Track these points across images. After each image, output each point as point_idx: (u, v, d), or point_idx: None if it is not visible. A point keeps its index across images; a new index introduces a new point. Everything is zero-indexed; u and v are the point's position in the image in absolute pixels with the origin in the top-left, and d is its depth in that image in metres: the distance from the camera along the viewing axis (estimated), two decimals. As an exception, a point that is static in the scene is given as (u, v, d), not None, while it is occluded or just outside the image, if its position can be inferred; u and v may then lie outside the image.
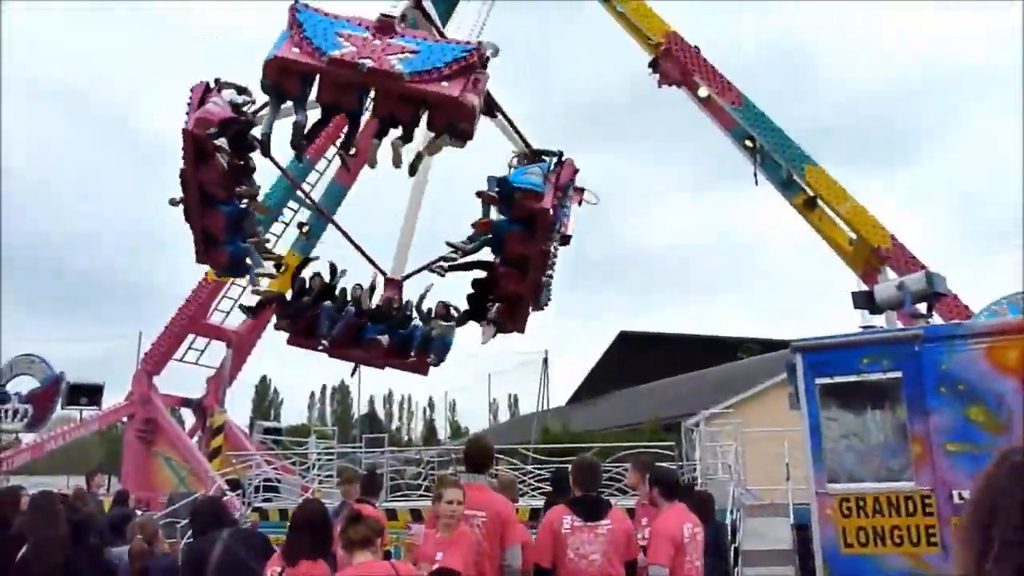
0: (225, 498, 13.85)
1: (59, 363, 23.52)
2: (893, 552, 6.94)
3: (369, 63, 8.79)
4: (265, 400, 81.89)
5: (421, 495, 13.97)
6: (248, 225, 10.80)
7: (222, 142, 9.60)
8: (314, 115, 9.70)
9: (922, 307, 8.64)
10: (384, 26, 9.53)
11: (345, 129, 9.97)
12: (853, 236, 17.14)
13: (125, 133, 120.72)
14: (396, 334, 11.09)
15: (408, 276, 11.96)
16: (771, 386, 23.26)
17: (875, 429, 7.58)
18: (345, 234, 11.96)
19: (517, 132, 10.59)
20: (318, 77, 9.09)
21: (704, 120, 19.00)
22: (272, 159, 10.18)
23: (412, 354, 11.26)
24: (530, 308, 10.60)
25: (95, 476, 14.02)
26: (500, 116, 10.47)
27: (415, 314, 11.39)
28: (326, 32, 9.24)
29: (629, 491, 8.41)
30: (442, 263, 10.59)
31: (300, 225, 23.16)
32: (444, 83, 8.95)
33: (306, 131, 9.47)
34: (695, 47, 18.53)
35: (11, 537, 7.10)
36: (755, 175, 18.10)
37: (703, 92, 18.39)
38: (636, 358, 38.64)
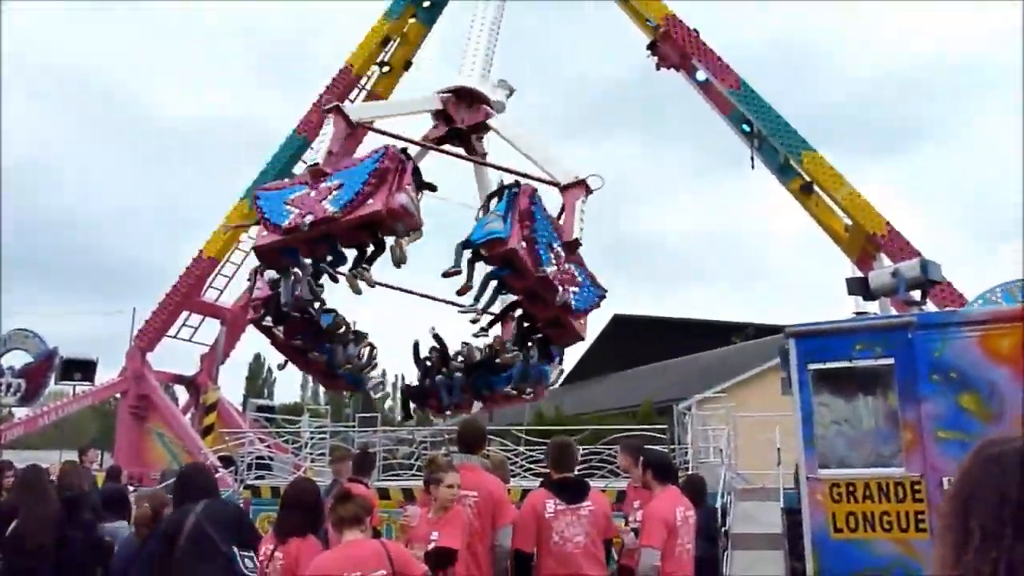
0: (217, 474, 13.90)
1: (53, 338, 23.53)
2: (882, 537, 6.98)
3: (310, 218, 10.27)
4: (258, 378, 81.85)
5: (413, 475, 14.01)
6: (337, 341, 12.62)
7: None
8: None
9: (916, 294, 8.65)
10: (316, 174, 10.95)
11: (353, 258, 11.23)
12: (849, 222, 17.15)
13: (128, 117, 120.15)
14: (501, 379, 12.22)
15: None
16: (764, 371, 23.34)
17: (866, 415, 7.60)
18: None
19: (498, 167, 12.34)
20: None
21: (703, 107, 18.96)
22: (312, 310, 12.00)
23: (523, 390, 12.53)
24: (575, 318, 11.32)
25: (88, 451, 14.05)
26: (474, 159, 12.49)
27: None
28: (277, 206, 10.78)
29: (621, 473, 8.43)
30: (482, 330, 11.61)
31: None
32: (369, 201, 10.20)
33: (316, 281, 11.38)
34: (694, 30, 18.45)
35: (2, 512, 7.11)
36: (752, 159, 18.11)
37: (701, 75, 18.34)
38: (630, 341, 38.65)
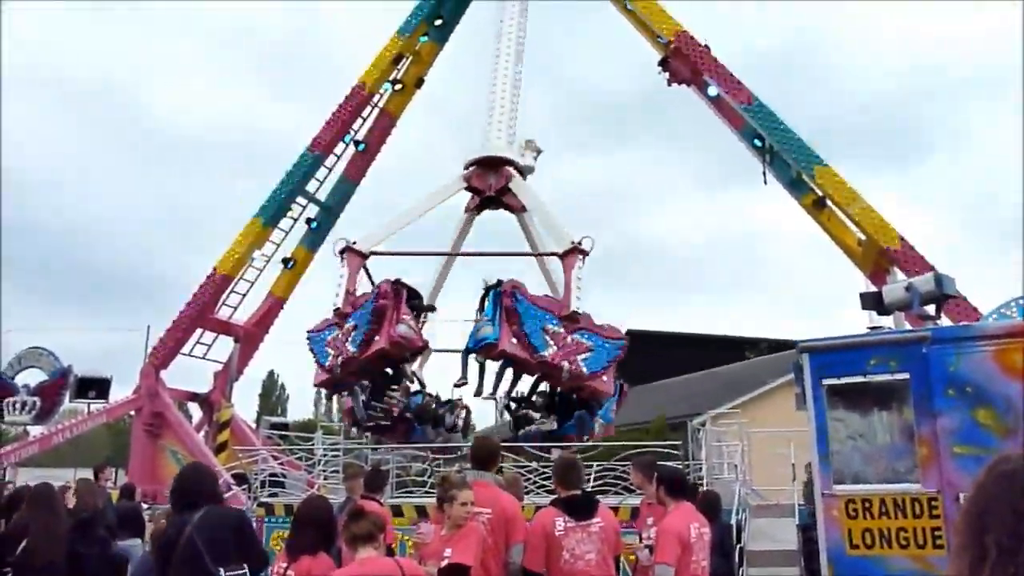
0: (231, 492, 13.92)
1: (68, 356, 23.66)
2: (898, 554, 6.92)
3: (340, 359, 12.77)
4: (272, 395, 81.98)
5: (426, 492, 13.97)
6: (428, 418, 14.45)
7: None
8: None
9: (931, 309, 8.61)
10: (340, 316, 12.90)
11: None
12: (862, 237, 17.08)
13: (138, 129, 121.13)
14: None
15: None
16: (778, 386, 23.22)
17: (881, 430, 7.55)
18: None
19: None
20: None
21: (714, 120, 18.98)
22: (399, 401, 13.92)
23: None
24: (593, 379, 12.82)
25: (104, 470, 14.09)
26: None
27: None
28: (320, 348, 13.20)
29: (636, 490, 8.39)
30: (513, 408, 14.17)
31: (308, 221, 23.27)
32: (376, 338, 12.05)
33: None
34: (705, 46, 18.48)
35: (12, 530, 7.13)
36: (764, 174, 18.09)
37: (712, 91, 18.36)
38: (642, 357, 38.47)
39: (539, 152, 15.05)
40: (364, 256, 13.82)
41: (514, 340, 12.00)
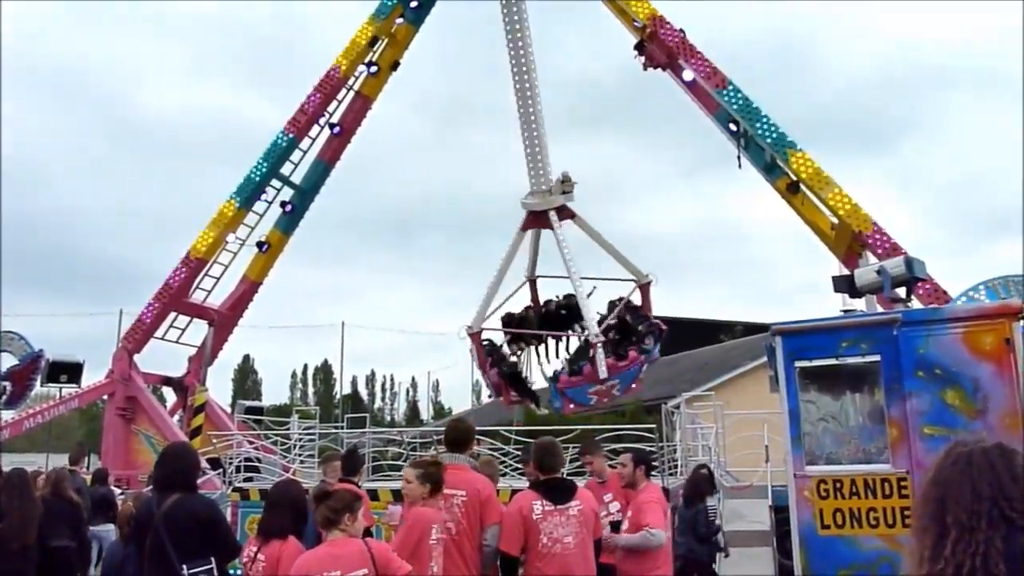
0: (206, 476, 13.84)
1: (39, 340, 23.37)
2: (869, 533, 7.01)
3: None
4: (247, 379, 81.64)
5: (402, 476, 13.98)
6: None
7: None
8: None
9: (902, 291, 8.70)
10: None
11: None
12: (835, 221, 17.21)
13: (115, 117, 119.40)
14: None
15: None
16: (752, 369, 23.43)
17: (853, 412, 7.64)
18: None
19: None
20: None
21: (690, 105, 19.00)
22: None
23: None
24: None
25: (79, 460, 13.97)
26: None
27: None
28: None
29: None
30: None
31: (283, 204, 23.10)
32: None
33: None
34: (680, 30, 18.48)
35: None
36: (739, 159, 18.14)
37: (688, 75, 18.36)
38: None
39: (573, 185, 15.82)
40: (479, 335, 15.76)
41: (572, 406, 15.16)
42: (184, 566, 4.95)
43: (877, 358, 7.30)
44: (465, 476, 5.74)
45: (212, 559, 5.09)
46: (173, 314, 22.83)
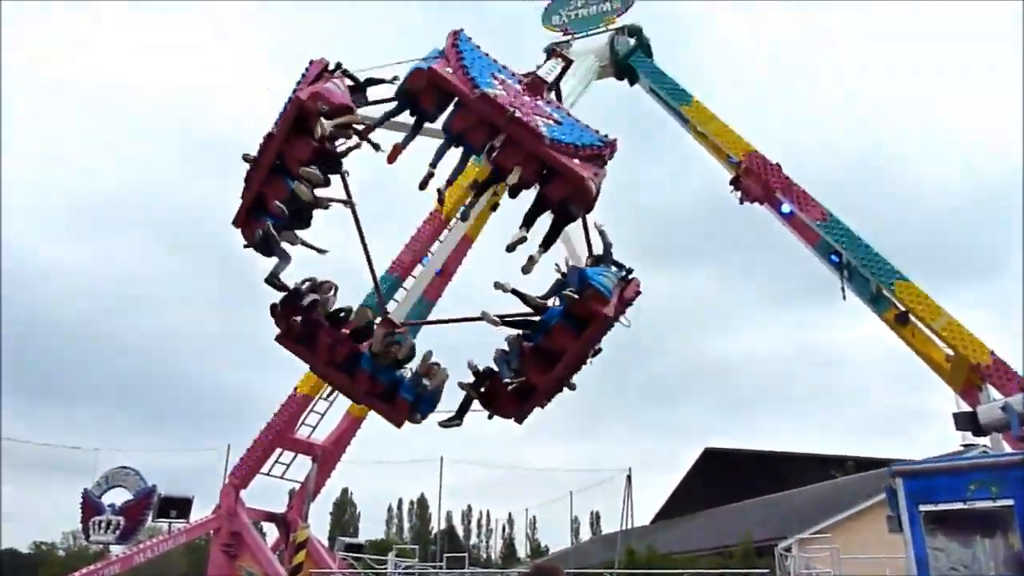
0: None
1: (151, 473, 24.16)
2: None
3: (517, 113, 8.86)
4: (344, 513, 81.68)
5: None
6: (306, 215, 10.41)
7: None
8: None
9: (1030, 429, 8.29)
10: (535, 85, 9.86)
11: (455, 165, 9.80)
12: (950, 352, 16.59)
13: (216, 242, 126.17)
14: (386, 373, 10.64)
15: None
16: (868, 507, 22.25)
17: (986, 560, 7.19)
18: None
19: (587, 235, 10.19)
20: (457, 105, 9.24)
21: (783, 234, 18.97)
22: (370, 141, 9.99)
23: (394, 401, 10.66)
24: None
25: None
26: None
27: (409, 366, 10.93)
28: (483, 69, 9.39)
29: None
30: (495, 317, 9.77)
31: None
32: (576, 160, 8.91)
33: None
34: (776, 164, 18.68)
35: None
36: (843, 290, 17.87)
37: (786, 208, 18.43)
38: (722, 476, 37.46)
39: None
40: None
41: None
42: None
43: (1010, 502, 6.92)
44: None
45: None
46: (279, 450, 23.29)
